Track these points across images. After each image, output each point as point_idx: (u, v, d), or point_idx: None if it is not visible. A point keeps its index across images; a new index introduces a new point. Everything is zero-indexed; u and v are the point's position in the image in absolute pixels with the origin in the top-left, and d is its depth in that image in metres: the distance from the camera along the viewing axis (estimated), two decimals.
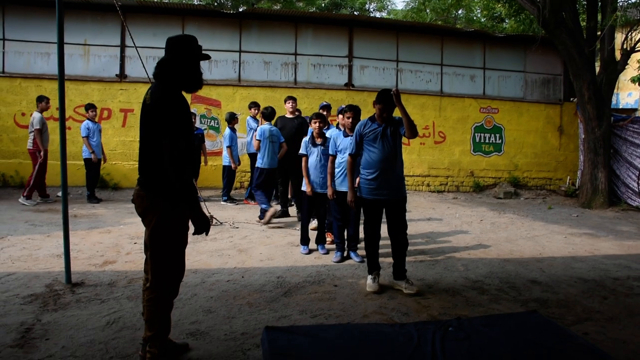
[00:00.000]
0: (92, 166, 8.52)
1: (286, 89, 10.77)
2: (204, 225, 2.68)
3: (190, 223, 2.73)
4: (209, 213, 6.89)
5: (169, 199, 2.60)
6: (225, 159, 8.73)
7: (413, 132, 4.02)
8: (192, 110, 8.76)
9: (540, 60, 12.11)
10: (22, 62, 10.00)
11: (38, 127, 7.95)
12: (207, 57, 2.82)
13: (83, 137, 8.45)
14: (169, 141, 2.53)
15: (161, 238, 2.65)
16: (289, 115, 7.39)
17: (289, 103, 7.35)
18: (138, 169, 2.73)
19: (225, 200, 8.78)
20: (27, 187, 8.05)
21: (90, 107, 8.62)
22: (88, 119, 8.54)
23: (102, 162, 8.74)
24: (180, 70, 2.68)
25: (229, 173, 8.76)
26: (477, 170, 11.92)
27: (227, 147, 8.53)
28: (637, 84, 10.81)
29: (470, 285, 4.45)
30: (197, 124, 9.90)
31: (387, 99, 4.09)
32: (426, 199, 10.44)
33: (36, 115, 8.05)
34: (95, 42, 10.22)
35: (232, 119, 8.71)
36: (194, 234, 2.71)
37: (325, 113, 6.09)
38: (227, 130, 8.63)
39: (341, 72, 11.23)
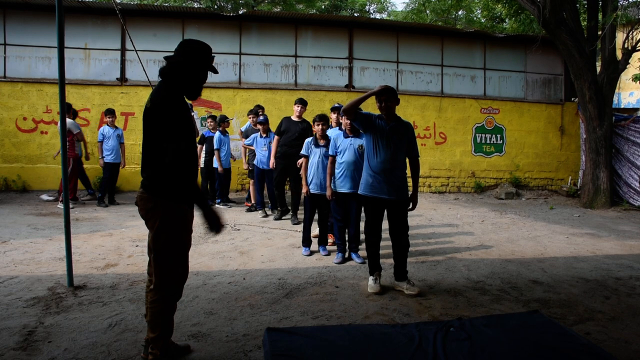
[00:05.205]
0: (106, 170, 8.61)
1: (287, 91, 10.80)
2: (217, 223, 2.65)
3: (194, 225, 2.73)
4: None
5: (172, 200, 2.61)
6: (216, 161, 8.80)
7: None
8: (193, 113, 8.81)
9: (541, 60, 12.11)
10: (23, 67, 10.04)
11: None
12: (216, 71, 2.80)
13: (98, 142, 8.65)
14: (174, 145, 2.53)
15: (164, 240, 2.65)
16: (294, 118, 7.24)
17: (298, 106, 7.18)
18: (141, 171, 2.74)
19: (218, 203, 8.84)
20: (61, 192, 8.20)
21: (108, 112, 8.76)
22: (107, 124, 8.69)
23: (119, 166, 8.86)
24: (188, 75, 2.69)
25: (219, 175, 8.80)
26: (478, 170, 11.92)
27: (216, 150, 8.57)
28: (638, 82, 10.79)
29: (472, 285, 4.45)
30: (198, 127, 9.93)
31: (382, 91, 4.09)
32: (427, 200, 10.44)
33: (69, 121, 8.17)
34: (95, 46, 10.25)
35: (221, 122, 8.74)
36: (209, 231, 2.67)
37: (335, 115, 5.98)
38: (217, 134, 8.65)
39: (341, 74, 11.25)
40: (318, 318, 3.57)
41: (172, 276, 2.70)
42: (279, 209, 7.67)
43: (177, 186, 2.57)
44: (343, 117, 5.29)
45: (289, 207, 7.63)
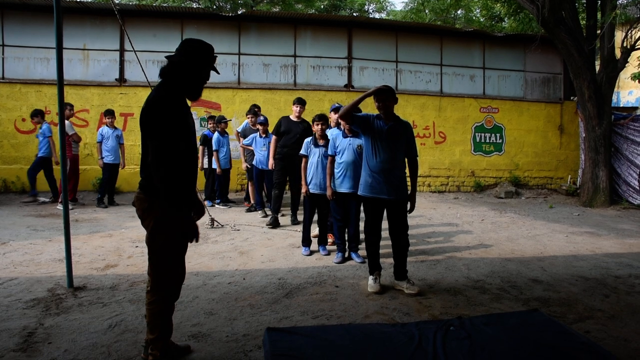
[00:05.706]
0: (105, 171, 8.62)
1: (286, 91, 10.80)
2: (194, 231, 2.67)
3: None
4: (210, 216, 6.91)
5: (167, 201, 2.60)
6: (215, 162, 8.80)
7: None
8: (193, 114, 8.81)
9: (540, 59, 12.12)
10: (21, 68, 10.03)
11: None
12: (217, 72, 2.81)
13: (97, 143, 8.68)
14: (156, 142, 2.52)
15: (160, 240, 2.64)
16: (294, 119, 7.11)
17: (297, 106, 7.05)
18: (140, 172, 2.74)
19: (218, 203, 8.84)
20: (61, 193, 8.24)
21: (107, 113, 8.78)
22: (106, 125, 8.70)
23: (119, 167, 8.88)
24: (189, 75, 2.67)
25: (218, 176, 8.81)
26: (477, 170, 11.92)
27: (215, 151, 8.56)
28: (637, 81, 10.80)
29: (472, 284, 4.45)
30: (197, 127, 9.94)
31: (380, 91, 4.09)
32: (427, 199, 10.44)
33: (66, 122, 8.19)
34: (94, 46, 10.25)
35: (219, 123, 8.73)
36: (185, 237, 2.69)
37: (335, 115, 5.90)
38: (215, 135, 8.65)
39: (341, 74, 11.25)
40: (318, 318, 3.57)
41: (169, 277, 2.69)
42: (274, 215, 7.30)
43: (165, 186, 2.54)
44: (335, 116, 5.29)
45: (278, 219, 7.22)
